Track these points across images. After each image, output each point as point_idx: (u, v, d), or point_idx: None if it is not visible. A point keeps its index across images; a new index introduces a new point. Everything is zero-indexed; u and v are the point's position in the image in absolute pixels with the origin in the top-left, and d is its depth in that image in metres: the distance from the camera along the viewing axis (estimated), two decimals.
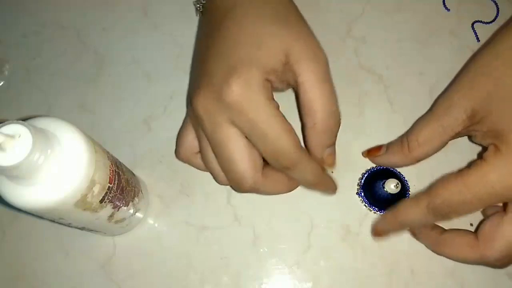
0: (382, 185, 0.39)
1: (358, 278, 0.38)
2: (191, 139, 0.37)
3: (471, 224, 0.39)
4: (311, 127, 0.34)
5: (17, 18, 0.48)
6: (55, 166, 0.27)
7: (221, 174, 0.35)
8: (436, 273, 0.38)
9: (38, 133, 0.26)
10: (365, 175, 0.40)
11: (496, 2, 0.46)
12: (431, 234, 0.37)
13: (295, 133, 0.33)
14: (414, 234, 0.39)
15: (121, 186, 0.33)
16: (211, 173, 0.37)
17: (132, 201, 0.36)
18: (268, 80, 0.33)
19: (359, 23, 0.46)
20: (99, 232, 0.37)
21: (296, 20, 0.35)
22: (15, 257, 0.40)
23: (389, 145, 0.40)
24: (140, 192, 0.38)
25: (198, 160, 0.38)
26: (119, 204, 0.34)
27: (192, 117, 0.36)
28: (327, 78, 0.34)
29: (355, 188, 0.41)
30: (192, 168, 0.39)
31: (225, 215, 0.40)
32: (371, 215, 0.40)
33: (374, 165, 0.41)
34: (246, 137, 0.33)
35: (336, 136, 0.36)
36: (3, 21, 0.48)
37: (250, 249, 0.39)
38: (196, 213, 0.40)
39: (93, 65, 0.45)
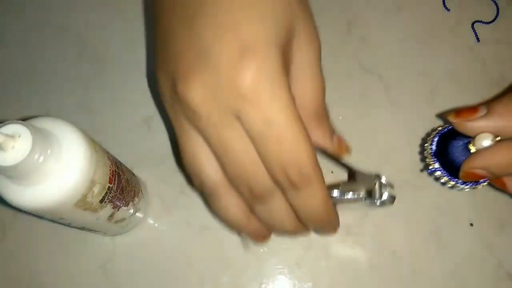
0: (466, 145, 0.30)
1: (358, 278, 0.38)
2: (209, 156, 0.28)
3: (471, 224, 0.39)
4: (311, 114, 0.29)
5: (17, 18, 0.48)
6: (55, 166, 0.27)
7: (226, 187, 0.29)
8: (436, 273, 0.38)
9: (38, 133, 0.26)
10: (432, 145, 0.31)
11: (496, 2, 0.46)
12: None
13: None
14: (502, 183, 0.30)
15: (121, 186, 0.33)
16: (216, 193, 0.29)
17: (132, 201, 0.36)
18: (284, 62, 0.26)
19: (359, 23, 0.46)
20: (99, 232, 0.37)
21: None
22: (15, 257, 0.40)
23: (491, 104, 0.29)
24: (140, 192, 0.38)
25: None
26: (119, 204, 0.34)
27: (178, 110, 0.27)
28: (319, 64, 0.29)
29: None
30: None
31: None
32: (371, 215, 0.40)
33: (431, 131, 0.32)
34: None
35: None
36: (3, 21, 0.48)
37: (250, 249, 0.39)
38: (196, 213, 0.40)
39: (93, 65, 0.45)
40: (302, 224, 0.30)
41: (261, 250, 0.39)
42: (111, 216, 0.34)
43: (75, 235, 0.39)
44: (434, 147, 0.31)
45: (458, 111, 0.29)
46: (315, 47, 0.29)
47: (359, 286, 0.38)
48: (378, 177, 0.32)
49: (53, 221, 0.31)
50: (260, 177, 0.27)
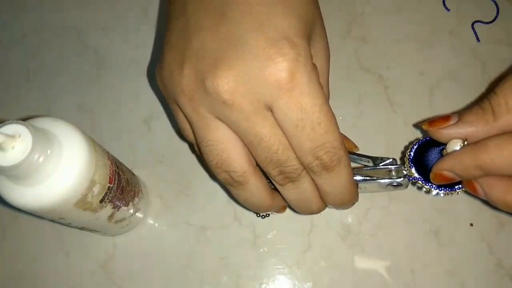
0: (440, 152, 0.32)
1: (358, 278, 0.38)
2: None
3: (471, 224, 0.39)
4: None
5: (17, 18, 0.48)
6: (55, 166, 0.27)
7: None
8: (436, 273, 0.38)
9: (38, 133, 0.26)
10: (411, 152, 0.34)
11: (496, 2, 0.46)
12: (502, 182, 0.30)
13: None
14: (472, 186, 0.31)
15: (121, 186, 0.33)
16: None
17: (132, 201, 0.36)
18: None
19: (359, 23, 0.46)
20: (99, 232, 0.37)
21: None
22: (15, 257, 0.40)
23: (461, 114, 0.31)
24: (140, 192, 0.38)
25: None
26: (119, 204, 0.34)
27: (199, 101, 0.28)
28: (328, 74, 0.32)
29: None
30: (192, 168, 0.39)
31: (225, 215, 0.40)
32: (371, 215, 0.40)
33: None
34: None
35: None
36: (3, 21, 0.48)
37: (250, 249, 0.39)
38: (196, 213, 0.40)
39: (93, 65, 0.45)
40: (324, 203, 0.32)
41: (261, 250, 0.39)
42: (111, 216, 0.34)
43: (75, 235, 0.39)
44: (412, 154, 0.33)
45: (432, 120, 0.32)
46: (328, 56, 0.31)
47: (358, 286, 0.38)
48: (395, 159, 0.34)
49: (53, 221, 0.31)
50: (292, 160, 0.28)
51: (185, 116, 0.29)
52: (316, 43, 0.30)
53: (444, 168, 0.31)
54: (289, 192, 0.31)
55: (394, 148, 0.41)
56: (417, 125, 0.38)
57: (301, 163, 0.29)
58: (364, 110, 0.43)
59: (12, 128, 0.25)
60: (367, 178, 0.34)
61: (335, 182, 0.30)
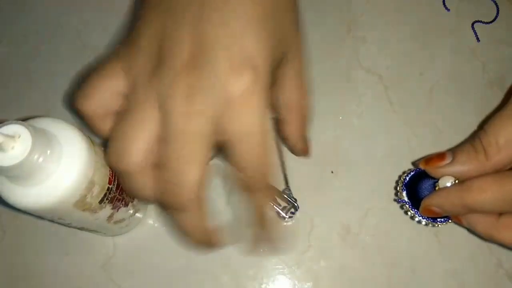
0: (433, 185, 0.34)
1: (358, 278, 0.38)
2: (111, 92, 0.28)
3: None
4: (293, 120, 0.33)
5: (17, 18, 0.48)
6: (55, 166, 0.27)
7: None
8: (436, 273, 0.38)
9: (37, 133, 0.26)
10: (407, 177, 0.36)
11: (496, 2, 0.46)
12: (486, 219, 0.32)
13: None
14: (459, 219, 0.34)
15: (121, 187, 0.33)
16: (124, 159, 0.28)
17: (131, 202, 0.36)
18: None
19: (359, 23, 0.46)
20: (99, 232, 0.37)
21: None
22: (15, 257, 0.40)
23: (455, 152, 0.33)
24: None
25: (105, 125, 0.29)
26: (118, 204, 0.34)
27: (150, 85, 0.27)
28: (304, 74, 0.32)
29: (355, 188, 0.40)
30: None
31: (225, 215, 0.40)
32: (371, 215, 0.40)
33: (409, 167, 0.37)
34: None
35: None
36: (3, 21, 0.48)
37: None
38: None
39: (93, 65, 0.45)
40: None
41: (261, 250, 0.39)
42: (110, 216, 0.34)
43: (75, 235, 0.39)
44: (407, 179, 0.36)
45: (428, 159, 0.34)
46: (302, 62, 0.32)
47: (359, 286, 0.38)
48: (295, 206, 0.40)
49: (52, 221, 0.31)
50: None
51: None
52: (289, 62, 0.30)
53: (433, 204, 0.33)
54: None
55: (394, 148, 0.41)
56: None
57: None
58: (364, 110, 0.43)
59: (12, 128, 0.25)
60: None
61: (256, 202, 0.30)
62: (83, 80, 0.29)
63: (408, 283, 0.38)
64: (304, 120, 0.34)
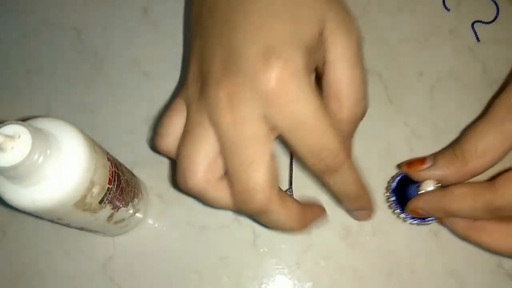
0: (417, 187, 0.35)
1: (358, 278, 0.38)
2: (181, 126, 0.30)
3: None
4: (337, 114, 0.30)
5: (17, 18, 0.48)
6: (54, 166, 0.27)
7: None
8: (436, 273, 0.38)
9: (37, 133, 0.26)
10: (396, 179, 0.38)
11: (496, 2, 0.46)
12: (464, 221, 0.33)
13: None
14: (441, 220, 0.35)
15: (121, 187, 0.33)
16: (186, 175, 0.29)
17: (131, 202, 0.36)
18: (309, 62, 0.27)
19: (359, 23, 0.46)
20: (99, 232, 0.37)
21: None
22: (15, 257, 0.40)
23: (436, 157, 0.34)
24: (140, 193, 0.38)
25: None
26: (118, 204, 0.34)
27: (200, 105, 0.28)
28: (359, 59, 0.30)
29: None
30: None
31: (225, 215, 0.40)
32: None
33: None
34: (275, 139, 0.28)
35: (357, 128, 0.33)
36: (3, 21, 0.48)
37: (250, 249, 0.39)
38: (196, 213, 0.40)
39: (93, 65, 0.45)
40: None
41: (261, 250, 0.39)
42: (110, 216, 0.34)
43: (75, 235, 0.39)
44: (394, 184, 0.38)
45: (410, 162, 0.36)
46: (352, 39, 0.29)
47: (359, 286, 0.38)
48: None
49: (52, 221, 0.31)
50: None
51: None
52: (333, 32, 0.29)
53: (417, 207, 0.35)
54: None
55: (394, 148, 0.41)
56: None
57: (306, 167, 0.29)
58: None
59: (12, 128, 0.25)
60: None
61: (342, 182, 0.30)
62: (158, 124, 0.32)
63: (408, 283, 0.38)
64: (351, 117, 0.31)
